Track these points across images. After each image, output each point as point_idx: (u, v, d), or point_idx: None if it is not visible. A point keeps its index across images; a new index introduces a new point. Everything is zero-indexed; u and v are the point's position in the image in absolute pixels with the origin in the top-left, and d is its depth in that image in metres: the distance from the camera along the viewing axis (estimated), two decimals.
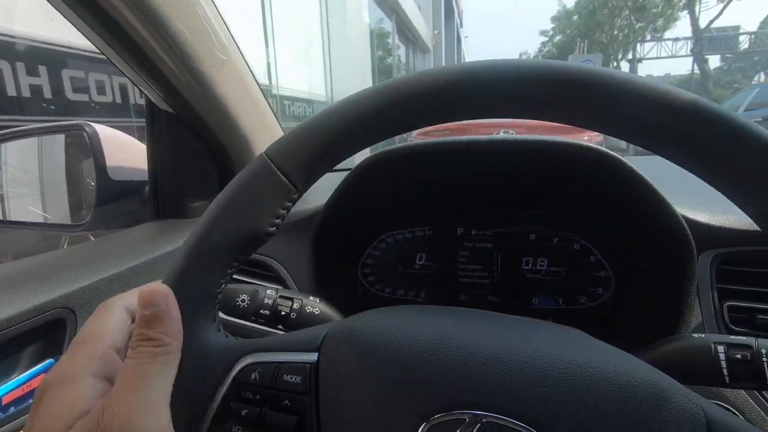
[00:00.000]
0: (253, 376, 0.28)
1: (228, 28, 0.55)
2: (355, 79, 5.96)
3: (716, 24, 22.96)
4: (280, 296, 0.40)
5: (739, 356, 0.31)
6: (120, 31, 0.45)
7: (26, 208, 0.71)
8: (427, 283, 0.61)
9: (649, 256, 0.48)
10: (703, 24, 20.95)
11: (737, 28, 26.57)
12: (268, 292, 0.39)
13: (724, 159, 0.23)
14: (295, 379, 0.27)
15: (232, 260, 0.28)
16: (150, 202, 0.65)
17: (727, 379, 0.31)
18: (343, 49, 5.71)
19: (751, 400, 0.41)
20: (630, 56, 26.26)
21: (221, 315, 0.39)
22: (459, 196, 0.58)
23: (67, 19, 0.46)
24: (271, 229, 0.29)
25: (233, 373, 0.28)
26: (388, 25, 9.77)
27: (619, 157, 0.45)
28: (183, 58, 0.49)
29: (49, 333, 0.43)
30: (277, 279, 0.59)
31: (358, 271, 0.63)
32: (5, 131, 0.67)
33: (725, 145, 0.22)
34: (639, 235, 0.50)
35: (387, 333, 0.27)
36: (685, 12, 21.63)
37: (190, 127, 0.60)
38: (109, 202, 0.66)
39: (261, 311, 0.39)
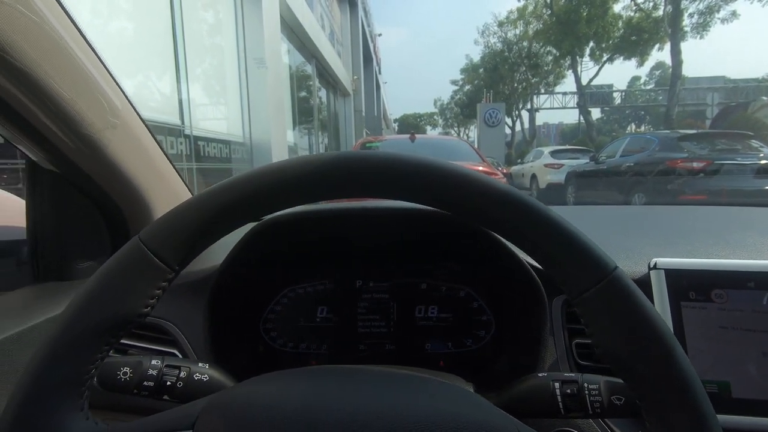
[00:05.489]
0: None
1: (122, 90, 0.56)
2: (275, 119, 5.97)
3: (595, 81, 26.91)
4: (167, 365, 0.39)
5: (569, 390, 0.37)
6: None
7: None
8: (328, 335, 0.63)
9: (513, 303, 0.56)
10: (585, 81, 24.40)
11: (611, 86, 31.41)
12: (153, 362, 0.39)
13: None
14: None
15: (103, 344, 0.29)
16: (28, 264, 0.60)
17: (562, 411, 0.37)
18: (261, 90, 5.72)
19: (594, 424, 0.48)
20: (528, 106, 29.54)
21: (100, 391, 0.37)
22: (352, 252, 0.62)
23: None
24: (145, 309, 0.30)
25: None
26: (309, 68, 10.01)
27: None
28: (68, 123, 0.48)
29: None
30: (171, 342, 0.57)
31: (259, 327, 0.63)
32: None
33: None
34: (503, 283, 0.57)
35: (259, 405, 0.29)
36: (570, 71, 25.05)
37: (77, 186, 0.58)
38: None
39: (144, 383, 0.38)
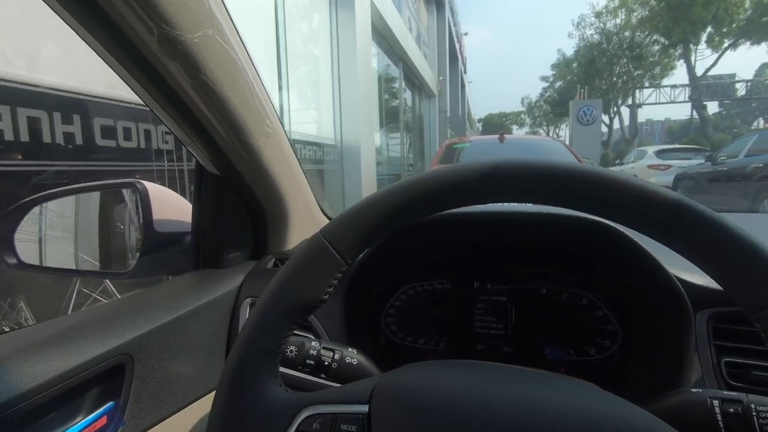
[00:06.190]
0: (314, 426, 0.32)
1: (272, 103, 0.63)
2: (364, 122, 6.18)
3: (712, 72, 23.78)
4: (323, 347, 0.44)
5: (731, 410, 0.35)
6: (183, 106, 0.52)
7: (78, 257, 0.77)
8: (445, 332, 0.65)
9: (650, 314, 0.53)
10: (699, 72, 21.68)
11: (733, 75, 27.44)
12: (313, 344, 0.44)
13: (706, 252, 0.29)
14: (351, 428, 0.32)
15: (292, 324, 0.34)
16: (191, 253, 0.71)
17: (723, 431, 0.35)
18: (352, 94, 5.96)
19: None
20: (629, 102, 26.99)
21: None
22: (475, 254, 0.64)
23: (137, 94, 0.53)
24: (325, 296, 0.34)
25: (296, 424, 0.33)
26: (395, 71, 10.19)
27: (617, 227, 0.51)
28: (235, 131, 0.56)
29: (109, 377, 0.48)
30: (308, 328, 0.64)
31: (381, 321, 0.67)
32: (73, 186, 0.74)
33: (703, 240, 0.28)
34: (640, 294, 0.54)
35: (426, 387, 0.32)
36: (681, 61, 22.43)
37: (234, 188, 0.67)
38: (152, 252, 0.72)
39: (307, 361, 0.43)
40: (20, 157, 1.96)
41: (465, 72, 30.49)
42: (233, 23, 0.49)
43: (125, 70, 0.45)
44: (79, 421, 0.44)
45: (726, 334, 0.50)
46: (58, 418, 0.43)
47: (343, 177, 6.04)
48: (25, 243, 0.74)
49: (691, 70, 21.43)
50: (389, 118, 9.79)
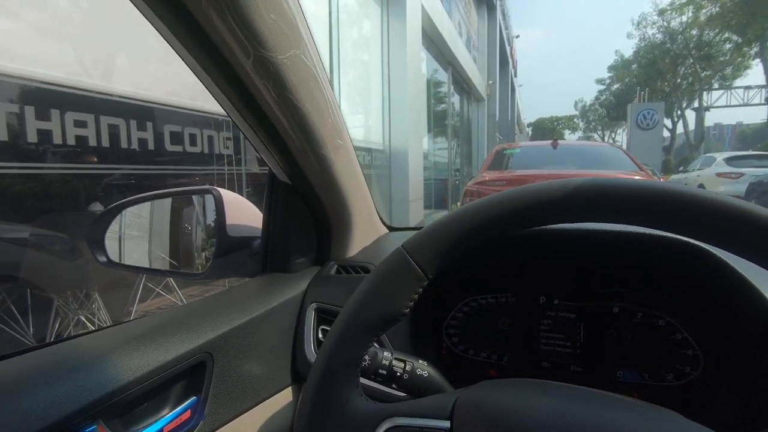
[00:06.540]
0: None
1: (341, 115, 0.65)
2: (412, 127, 6.20)
3: None
4: (395, 358, 0.45)
5: None
6: (264, 118, 0.55)
7: (158, 257, 0.83)
8: (509, 347, 0.64)
9: (740, 340, 0.49)
10: None
11: None
12: (385, 353, 0.45)
13: None
14: None
15: (373, 336, 0.35)
16: (261, 257, 0.75)
17: None
18: (401, 99, 6.01)
19: None
20: (696, 104, 25.19)
21: None
22: (542, 268, 0.62)
23: (222, 106, 0.56)
24: (406, 310, 0.35)
25: None
26: (443, 75, 10.15)
27: (707, 248, 0.48)
28: (309, 142, 0.59)
29: (192, 374, 0.51)
30: None
31: (442, 331, 0.67)
32: (154, 192, 0.81)
33: None
34: (728, 318, 0.51)
35: (509, 406, 0.32)
36: (758, 60, 20.64)
37: (302, 197, 0.69)
38: (224, 255, 0.76)
39: (379, 371, 0.44)
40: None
41: (515, 75, 29.79)
42: (314, 41, 0.51)
43: (216, 85, 0.48)
44: (166, 414, 0.48)
45: None
46: (150, 409, 0.46)
47: (391, 181, 6.09)
48: (112, 243, 0.81)
49: None
50: (437, 122, 9.75)
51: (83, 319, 2.30)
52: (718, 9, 21.33)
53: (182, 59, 0.44)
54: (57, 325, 2.22)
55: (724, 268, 0.47)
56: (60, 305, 2.25)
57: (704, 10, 22.81)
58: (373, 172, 5.76)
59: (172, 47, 0.42)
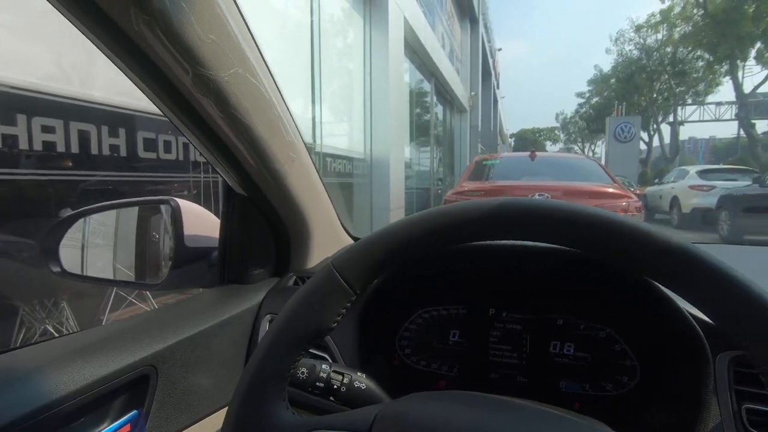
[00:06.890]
0: None
1: (298, 130, 0.66)
2: (394, 136, 6.24)
3: (763, 88, 22.62)
4: (333, 370, 0.46)
5: None
6: (213, 134, 0.56)
7: (111, 268, 0.82)
8: (459, 358, 0.65)
9: (668, 353, 0.52)
10: (747, 89, 20.69)
11: None
12: (324, 366, 0.46)
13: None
14: None
15: (300, 349, 0.36)
16: (218, 268, 0.75)
17: None
18: (383, 109, 6.05)
19: None
20: (671, 119, 26.03)
21: None
22: (492, 282, 0.64)
23: (171, 121, 0.57)
24: (333, 324, 0.36)
25: None
26: (427, 86, 10.27)
27: None
28: (261, 158, 0.59)
29: (134, 387, 0.51)
30: (323, 347, 0.65)
31: (395, 343, 0.68)
32: (115, 201, 0.80)
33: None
34: (657, 331, 0.53)
35: (428, 419, 0.33)
36: (728, 78, 21.48)
37: (258, 208, 0.70)
38: (182, 266, 0.76)
39: (316, 383, 0.45)
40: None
41: (498, 87, 30.33)
42: (263, 59, 0.52)
43: (161, 101, 0.49)
44: (105, 428, 0.47)
45: (749, 380, 0.48)
46: (87, 423, 0.46)
47: (372, 191, 6.10)
48: (69, 252, 0.80)
49: (738, 87, 20.45)
50: (420, 132, 9.84)
51: (50, 328, 2.23)
52: (690, 28, 22.16)
53: (123, 72, 0.45)
54: (21, 335, 2.15)
55: (649, 287, 0.49)
56: (25, 313, 2.18)
57: (678, 29, 23.65)
58: (354, 180, 5.77)
59: (109, 59, 0.43)
